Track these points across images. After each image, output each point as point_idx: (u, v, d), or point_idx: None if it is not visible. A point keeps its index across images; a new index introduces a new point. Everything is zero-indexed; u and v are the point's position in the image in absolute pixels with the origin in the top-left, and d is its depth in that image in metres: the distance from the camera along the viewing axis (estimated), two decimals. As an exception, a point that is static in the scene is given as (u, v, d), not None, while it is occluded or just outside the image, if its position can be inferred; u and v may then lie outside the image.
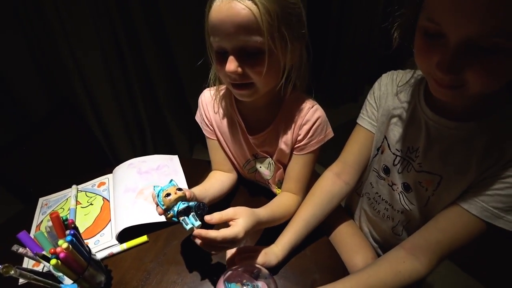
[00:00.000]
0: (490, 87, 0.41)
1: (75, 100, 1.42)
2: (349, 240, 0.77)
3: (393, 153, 0.63)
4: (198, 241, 0.53)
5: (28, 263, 0.69)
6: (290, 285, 0.62)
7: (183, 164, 0.93)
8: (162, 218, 0.71)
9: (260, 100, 0.65)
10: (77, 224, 0.79)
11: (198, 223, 0.52)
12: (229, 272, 0.55)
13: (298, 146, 0.69)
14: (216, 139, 0.77)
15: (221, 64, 0.57)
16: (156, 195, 0.55)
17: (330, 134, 0.70)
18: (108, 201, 0.84)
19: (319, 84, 2.35)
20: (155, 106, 1.70)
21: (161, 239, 0.72)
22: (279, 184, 0.79)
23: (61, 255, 0.50)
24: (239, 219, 0.54)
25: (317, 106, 0.69)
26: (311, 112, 0.67)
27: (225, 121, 0.74)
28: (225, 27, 0.51)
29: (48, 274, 0.56)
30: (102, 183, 0.92)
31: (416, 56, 0.47)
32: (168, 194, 0.53)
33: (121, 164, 0.93)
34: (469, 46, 0.37)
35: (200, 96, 0.77)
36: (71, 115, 1.39)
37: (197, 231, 0.51)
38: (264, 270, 0.56)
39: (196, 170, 0.90)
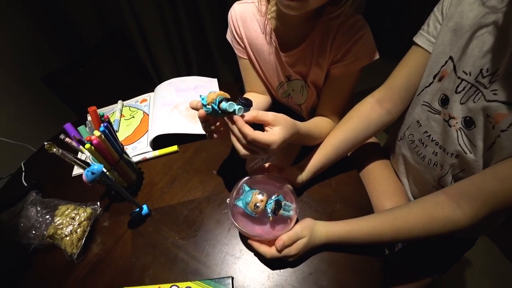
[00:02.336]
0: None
1: (126, 29, 1.45)
2: (382, 183, 0.71)
3: (459, 77, 0.50)
4: (235, 129, 0.47)
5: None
6: (308, 209, 0.61)
7: (222, 88, 0.92)
8: (193, 130, 0.74)
9: (300, 15, 0.55)
10: (119, 133, 0.86)
11: (239, 106, 0.45)
12: (248, 178, 0.55)
13: (335, 66, 0.62)
14: (247, 58, 0.72)
15: None
16: (201, 99, 0.48)
17: (375, 55, 0.61)
18: (148, 115, 0.89)
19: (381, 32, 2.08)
20: (202, 37, 1.67)
21: (190, 150, 0.76)
22: (312, 113, 0.74)
23: (94, 141, 0.55)
24: (277, 127, 0.47)
25: (360, 19, 0.58)
26: (353, 26, 0.57)
27: (257, 37, 0.67)
28: None
29: (86, 163, 0.63)
30: (144, 100, 0.96)
31: None
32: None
33: (162, 83, 0.96)
34: None
35: (230, 11, 0.70)
36: (121, 42, 1.45)
37: (235, 117, 0.45)
38: (288, 186, 0.55)
39: (233, 94, 0.88)
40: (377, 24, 2.07)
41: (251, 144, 0.46)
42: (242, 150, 0.48)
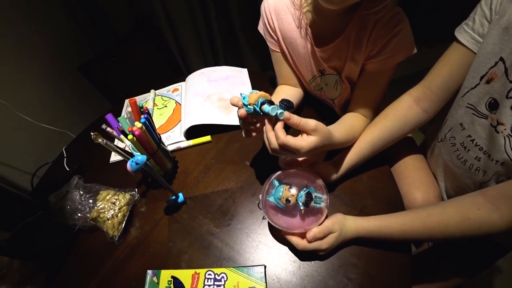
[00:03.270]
0: None
1: (154, 16, 1.47)
2: (412, 173, 0.70)
3: (511, 82, 0.47)
4: (270, 130, 0.49)
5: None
6: (339, 203, 0.61)
7: (251, 77, 0.93)
8: (226, 121, 0.76)
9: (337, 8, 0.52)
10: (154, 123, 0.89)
11: (280, 110, 0.46)
12: (278, 173, 0.56)
13: (371, 61, 0.60)
14: (280, 51, 0.71)
15: None
16: (242, 98, 0.49)
17: (413, 50, 0.58)
18: (180, 104, 0.91)
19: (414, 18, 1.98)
20: (229, 25, 1.66)
21: (223, 140, 0.77)
22: (345, 107, 0.72)
23: (136, 132, 0.57)
24: (313, 137, 0.48)
25: (400, 12, 0.55)
26: (392, 20, 0.55)
27: (291, 30, 0.66)
28: None
29: (128, 153, 0.66)
30: (176, 89, 0.99)
31: None
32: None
33: (193, 73, 0.98)
34: None
35: (263, 3, 0.68)
36: (150, 29, 1.47)
37: (269, 119, 0.48)
38: (319, 181, 0.56)
39: (263, 83, 0.90)
40: (412, 8, 1.97)
41: (280, 147, 0.48)
42: (272, 150, 0.50)
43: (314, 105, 0.81)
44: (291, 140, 0.47)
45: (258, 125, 0.55)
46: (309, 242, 0.51)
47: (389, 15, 0.55)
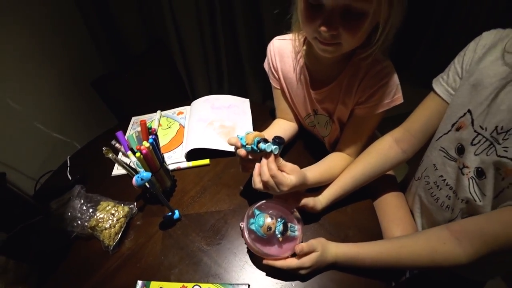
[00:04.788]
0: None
1: (167, 40, 1.58)
2: (393, 210, 0.75)
3: (475, 131, 0.54)
4: (264, 163, 0.55)
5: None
6: (323, 232, 0.66)
7: (252, 108, 1.00)
8: (225, 147, 0.82)
9: (333, 57, 0.60)
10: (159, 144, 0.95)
11: (275, 146, 0.53)
12: (261, 202, 0.61)
13: (359, 107, 0.67)
14: (280, 88, 0.79)
15: (312, 18, 0.52)
16: (240, 139, 0.57)
17: (399, 100, 0.64)
18: (183, 127, 0.98)
19: (413, 58, 2.12)
20: (236, 56, 1.78)
21: (220, 164, 0.83)
22: (334, 145, 0.79)
23: (143, 151, 0.63)
24: (292, 176, 0.56)
25: (389, 65, 0.62)
26: (380, 72, 0.61)
27: (291, 72, 0.73)
28: None
29: (133, 169, 0.71)
30: (181, 112, 1.06)
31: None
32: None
33: (198, 99, 1.05)
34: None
35: (269, 44, 0.76)
36: (163, 52, 1.57)
37: (269, 155, 0.54)
38: (297, 214, 0.61)
39: (262, 115, 0.97)
40: (409, 52, 2.11)
41: (269, 179, 0.54)
42: (258, 184, 0.57)
43: (307, 138, 0.87)
44: (280, 175, 0.54)
45: (253, 163, 0.59)
46: (297, 254, 0.55)
47: (378, 68, 0.62)
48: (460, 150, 0.58)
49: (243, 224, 0.58)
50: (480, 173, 0.54)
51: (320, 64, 0.68)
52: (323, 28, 0.50)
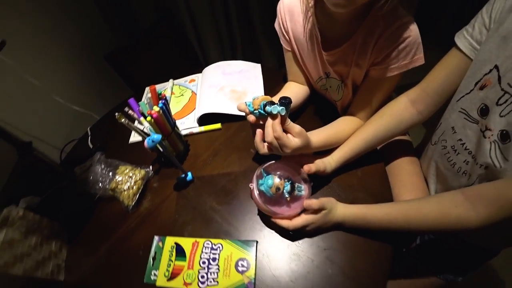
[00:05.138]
0: None
1: (176, 11, 1.55)
2: (406, 177, 0.74)
3: (503, 89, 0.48)
4: (269, 124, 0.54)
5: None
6: (332, 194, 0.66)
7: (264, 73, 0.99)
8: (236, 112, 0.82)
9: (346, 12, 0.54)
10: (170, 109, 0.97)
11: (282, 107, 0.52)
12: (270, 163, 0.62)
13: (374, 68, 0.63)
14: (291, 50, 0.76)
15: None
16: (247, 105, 0.57)
17: (419, 61, 0.59)
18: (196, 94, 0.99)
19: (440, 18, 1.96)
20: (249, 22, 1.72)
21: (231, 129, 0.85)
22: (346, 110, 0.76)
23: (154, 115, 0.65)
24: (297, 139, 0.55)
25: (410, 21, 0.56)
26: (399, 29, 0.56)
27: (302, 32, 0.69)
28: None
29: (146, 134, 0.74)
30: (193, 80, 1.06)
31: None
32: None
33: (210, 65, 1.05)
34: None
35: (279, 3, 0.71)
36: (172, 24, 1.55)
37: (276, 116, 0.53)
38: (304, 174, 0.61)
39: (274, 79, 0.95)
40: (436, 10, 1.95)
41: (273, 140, 0.54)
42: (262, 150, 0.59)
43: (319, 102, 0.86)
44: (284, 135, 0.53)
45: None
46: (306, 209, 0.56)
47: (397, 24, 0.56)
48: (484, 111, 0.52)
49: (252, 185, 0.59)
50: (504, 136, 0.49)
51: (333, 22, 0.62)
52: None
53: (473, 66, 0.54)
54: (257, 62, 1.02)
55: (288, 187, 0.57)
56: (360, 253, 0.58)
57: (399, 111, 0.66)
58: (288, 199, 0.58)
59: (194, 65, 1.61)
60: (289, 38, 0.73)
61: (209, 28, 1.66)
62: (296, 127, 0.55)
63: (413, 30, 0.57)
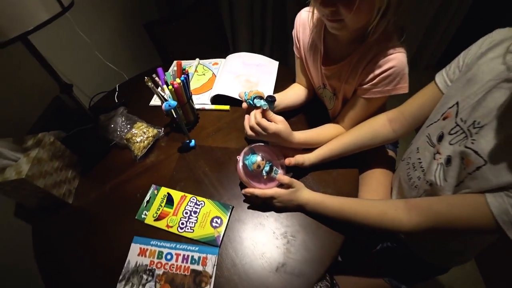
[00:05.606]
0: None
1: None
2: (374, 185, 0.83)
3: (456, 122, 0.56)
4: (252, 114, 0.70)
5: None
6: (305, 183, 0.74)
7: (279, 70, 1.10)
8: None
9: (346, 34, 0.65)
10: (191, 84, 1.09)
11: (264, 102, 0.67)
12: (258, 144, 0.73)
13: (360, 88, 0.71)
14: (300, 57, 0.86)
15: None
16: (245, 94, 0.72)
17: (402, 89, 0.67)
18: (215, 76, 1.11)
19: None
20: (282, 21, 1.82)
21: (237, 112, 0.97)
22: (335, 118, 0.84)
23: (175, 85, 0.77)
24: (278, 124, 0.68)
25: (398, 54, 0.63)
26: (386, 59, 0.63)
27: (310, 44, 0.79)
28: None
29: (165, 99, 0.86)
30: (216, 63, 1.18)
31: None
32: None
33: (233, 54, 1.16)
34: None
35: (298, 14, 0.81)
36: (211, 7, 1.66)
37: (260, 109, 0.68)
38: (282, 161, 0.73)
39: (287, 77, 1.06)
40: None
41: (254, 125, 0.68)
42: (248, 131, 0.72)
43: (317, 106, 0.95)
44: (263, 121, 0.67)
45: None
46: (278, 181, 0.68)
47: (385, 55, 0.63)
48: (440, 138, 0.61)
49: (239, 158, 0.71)
50: (448, 161, 0.57)
51: (336, 41, 0.72)
52: (321, 5, 0.57)
53: (442, 100, 0.63)
54: (281, 58, 1.13)
55: (267, 168, 0.69)
56: (314, 236, 0.67)
57: (377, 127, 0.74)
58: (265, 177, 0.69)
59: (223, 49, 1.72)
60: (300, 46, 0.84)
61: (244, 21, 1.77)
62: (278, 117, 0.69)
63: (400, 61, 0.64)
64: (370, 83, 0.68)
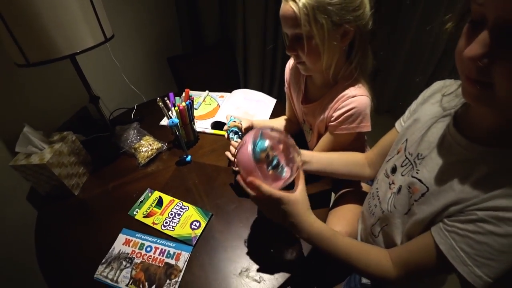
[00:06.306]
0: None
1: (234, 40, 1.89)
2: (344, 211, 0.89)
3: (405, 156, 0.64)
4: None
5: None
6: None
7: (276, 107, 1.27)
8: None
9: (318, 78, 0.81)
10: (198, 110, 1.26)
11: (231, 136, 0.85)
12: (271, 131, 0.60)
13: (330, 125, 0.81)
14: (288, 94, 1.01)
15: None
16: (230, 118, 0.88)
17: (365, 127, 0.76)
18: (219, 106, 1.28)
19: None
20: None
21: (230, 137, 1.10)
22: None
23: (180, 107, 0.93)
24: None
25: (359, 97, 0.73)
26: (349, 100, 0.74)
27: (295, 86, 0.93)
28: (283, 22, 0.70)
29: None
30: (222, 96, 1.36)
31: (457, 47, 0.43)
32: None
33: (238, 89, 1.34)
34: (505, 32, 0.34)
35: (288, 61, 0.97)
36: (228, 48, 1.89)
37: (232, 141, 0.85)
38: (297, 157, 0.59)
39: (281, 112, 1.20)
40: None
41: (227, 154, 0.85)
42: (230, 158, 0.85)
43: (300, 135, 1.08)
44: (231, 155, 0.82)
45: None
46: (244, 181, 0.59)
47: (350, 95, 0.74)
48: (393, 170, 0.68)
49: (247, 140, 0.57)
50: (399, 190, 0.63)
51: (313, 84, 0.87)
52: (287, 51, 0.73)
53: (397, 138, 0.71)
54: (284, 99, 1.28)
55: (274, 162, 0.57)
56: (279, 243, 0.75)
57: (357, 157, 0.83)
58: (270, 172, 0.57)
59: (234, 85, 1.92)
60: (289, 87, 0.99)
61: (256, 62, 1.98)
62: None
63: (362, 103, 0.74)
64: (337, 121, 0.78)
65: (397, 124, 0.76)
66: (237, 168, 0.70)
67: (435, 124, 0.59)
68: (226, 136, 0.87)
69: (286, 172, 0.58)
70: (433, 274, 0.55)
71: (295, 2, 0.65)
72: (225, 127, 0.88)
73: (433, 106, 0.63)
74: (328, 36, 0.67)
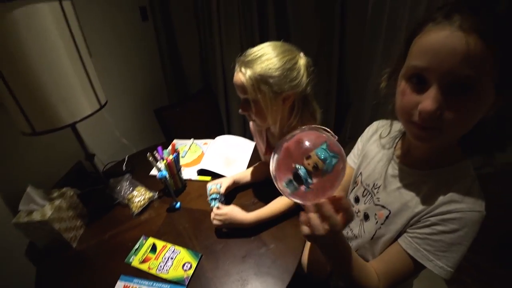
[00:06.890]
0: (462, 127, 0.47)
1: (215, 88, 2.06)
2: None
3: (363, 186, 0.75)
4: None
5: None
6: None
7: (255, 149, 1.40)
8: (223, 172, 1.21)
9: (274, 129, 0.94)
10: (184, 158, 1.39)
11: (212, 203, 0.97)
12: (335, 141, 0.47)
13: None
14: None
15: None
16: (209, 188, 1.01)
17: None
18: (204, 153, 1.41)
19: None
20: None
21: (215, 183, 1.23)
22: None
23: (168, 160, 1.06)
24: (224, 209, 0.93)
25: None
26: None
27: (258, 138, 1.10)
28: (236, 87, 0.87)
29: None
30: (206, 143, 1.50)
31: (398, 102, 0.49)
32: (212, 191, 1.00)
33: (220, 136, 1.49)
34: (448, 85, 0.43)
35: None
36: (210, 96, 2.07)
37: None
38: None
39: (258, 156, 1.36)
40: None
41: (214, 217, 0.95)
42: (214, 222, 0.96)
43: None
44: (217, 210, 0.94)
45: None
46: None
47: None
48: (356, 200, 0.78)
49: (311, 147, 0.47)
50: (366, 217, 0.73)
51: (271, 134, 1.03)
52: (241, 112, 0.91)
53: (353, 172, 0.82)
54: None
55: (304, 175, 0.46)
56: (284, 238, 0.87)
57: None
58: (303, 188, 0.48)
59: (218, 131, 2.07)
60: (255, 138, 1.15)
61: (237, 108, 2.15)
62: (228, 206, 0.95)
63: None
64: None
65: (350, 162, 0.87)
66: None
67: (381, 158, 0.73)
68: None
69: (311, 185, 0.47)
70: (409, 276, 0.62)
71: (243, 74, 0.81)
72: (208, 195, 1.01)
73: (374, 144, 0.77)
74: (271, 101, 0.82)
